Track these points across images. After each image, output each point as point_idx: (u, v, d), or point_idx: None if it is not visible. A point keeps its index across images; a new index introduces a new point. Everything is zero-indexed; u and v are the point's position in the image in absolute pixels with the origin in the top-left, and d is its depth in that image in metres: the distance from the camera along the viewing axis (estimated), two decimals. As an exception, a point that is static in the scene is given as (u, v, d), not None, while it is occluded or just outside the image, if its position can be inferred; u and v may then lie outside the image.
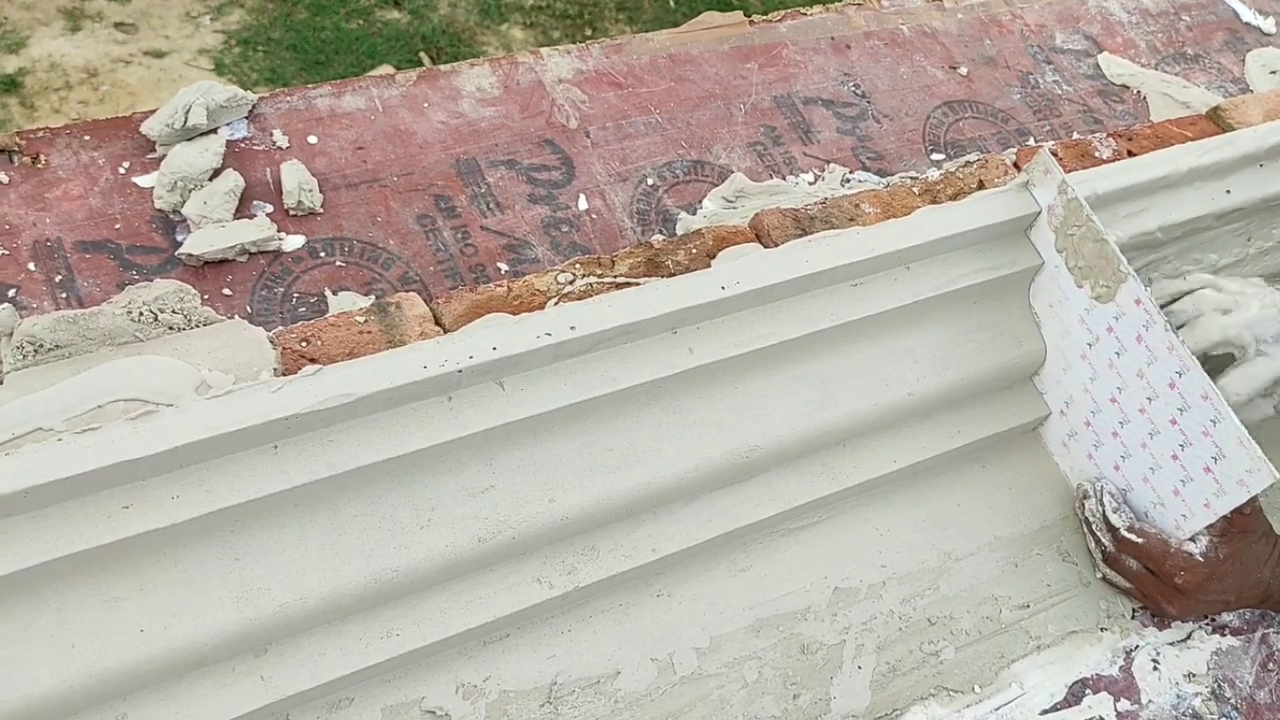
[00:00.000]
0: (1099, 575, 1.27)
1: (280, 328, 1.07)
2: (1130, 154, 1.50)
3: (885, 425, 1.24)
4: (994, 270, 1.27)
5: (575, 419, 1.06)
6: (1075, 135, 1.66)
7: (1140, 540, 1.21)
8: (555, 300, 1.16)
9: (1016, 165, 1.42)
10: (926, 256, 1.24)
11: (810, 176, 1.49)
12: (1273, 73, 1.86)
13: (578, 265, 1.19)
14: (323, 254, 1.25)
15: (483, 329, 1.04)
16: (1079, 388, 1.28)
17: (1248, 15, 1.93)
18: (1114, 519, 1.23)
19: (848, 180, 1.50)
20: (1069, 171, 1.41)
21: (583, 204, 1.38)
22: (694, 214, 1.41)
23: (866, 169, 1.52)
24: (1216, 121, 1.59)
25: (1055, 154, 1.46)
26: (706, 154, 1.47)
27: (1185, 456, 1.16)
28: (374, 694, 1.00)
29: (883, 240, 1.20)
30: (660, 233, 1.39)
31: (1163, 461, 1.19)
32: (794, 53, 1.60)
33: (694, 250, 1.24)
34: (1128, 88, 1.75)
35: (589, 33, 4.35)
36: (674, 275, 1.21)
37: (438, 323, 1.11)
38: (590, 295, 1.17)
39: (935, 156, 1.57)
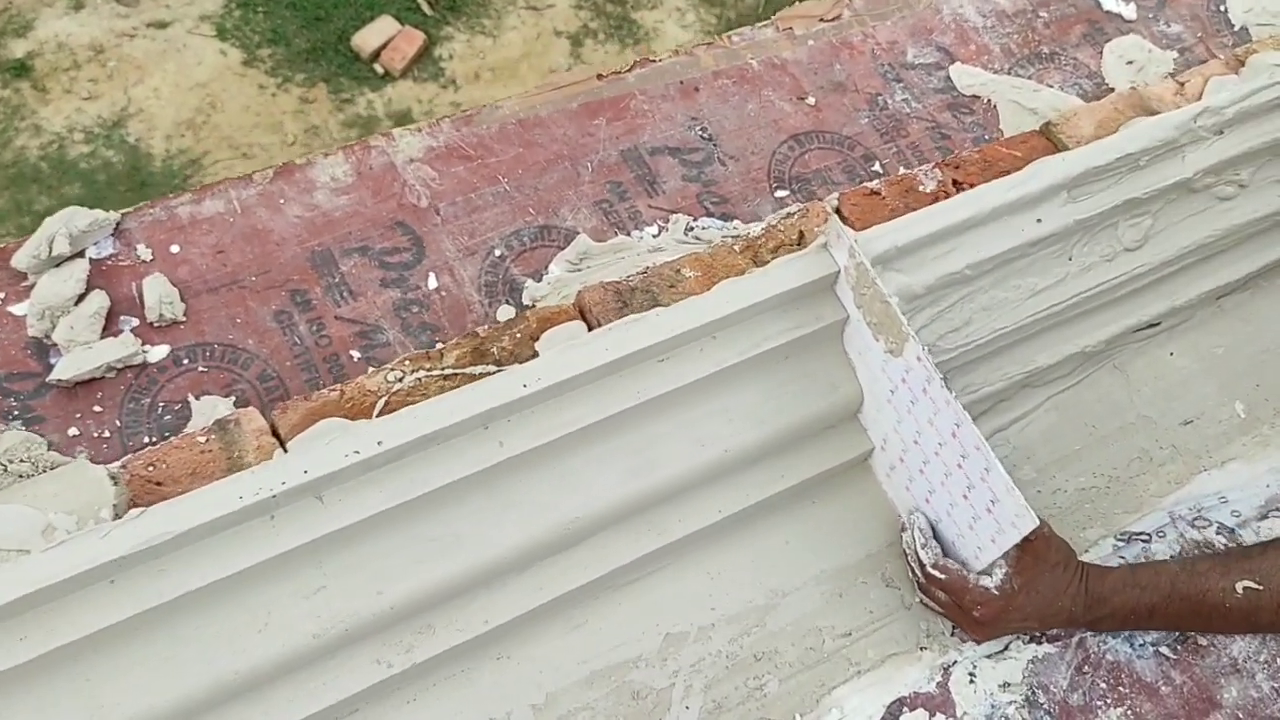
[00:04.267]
0: (918, 599, 1.39)
1: (129, 456, 1.20)
2: (956, 184, 1.58)
3: (707, 480, 1.35)
4: (801, 328, 1.36)
5: (394, 519, 1.19)
6: (922, 154, 1.73)
7: (943, 577, 1.32)
8: (385, 399, 1.28)
9: (838, 212, 1.51)
10: (732, 325, 1.34)
11: (654, 229, 1.58)
12: (1129, 63, 1.91)
13: (406, 362, 1.30)
14: (186, 361, 1.37)
15: (301, 450, 1.17)
16: (890, 428, 1.38)
17: (1109, 3, 1.97)
18: (922, 555, 1.34)
19: (691, 228, 1.59)
20: (891, 212, 1.50)
21: (432, 283, 1.48)
22: (539, 281, 1.51)
23: (711, 214, 1.61)
24: (1049, 137, 1.66)
25: (879, 192, 1.55)
26: (553, 218, 1.57)
27: (972, 497, 1.27)
28: (233, 778, 1.14)
29: (686, 318, 1.30)
30: (507, 302, 1.49)
31: (957, 499, 1.30)
32: (642, 102, 1.68)
33: (518, 335, 1.34)
34: (978, 97, 1.81)
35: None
36: (500, 363, 1.32)
37: (275, 434, 1.23)
38: (420, 390, 1.29)
39: (780, 194, 1.65)
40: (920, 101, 1.79)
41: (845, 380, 1.41)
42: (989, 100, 1.81)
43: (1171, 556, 1.47)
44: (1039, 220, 1.48)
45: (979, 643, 1.37)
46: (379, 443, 1.15)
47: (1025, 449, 1.53)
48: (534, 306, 1.49)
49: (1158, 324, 1.63)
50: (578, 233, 1.55)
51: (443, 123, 1.60)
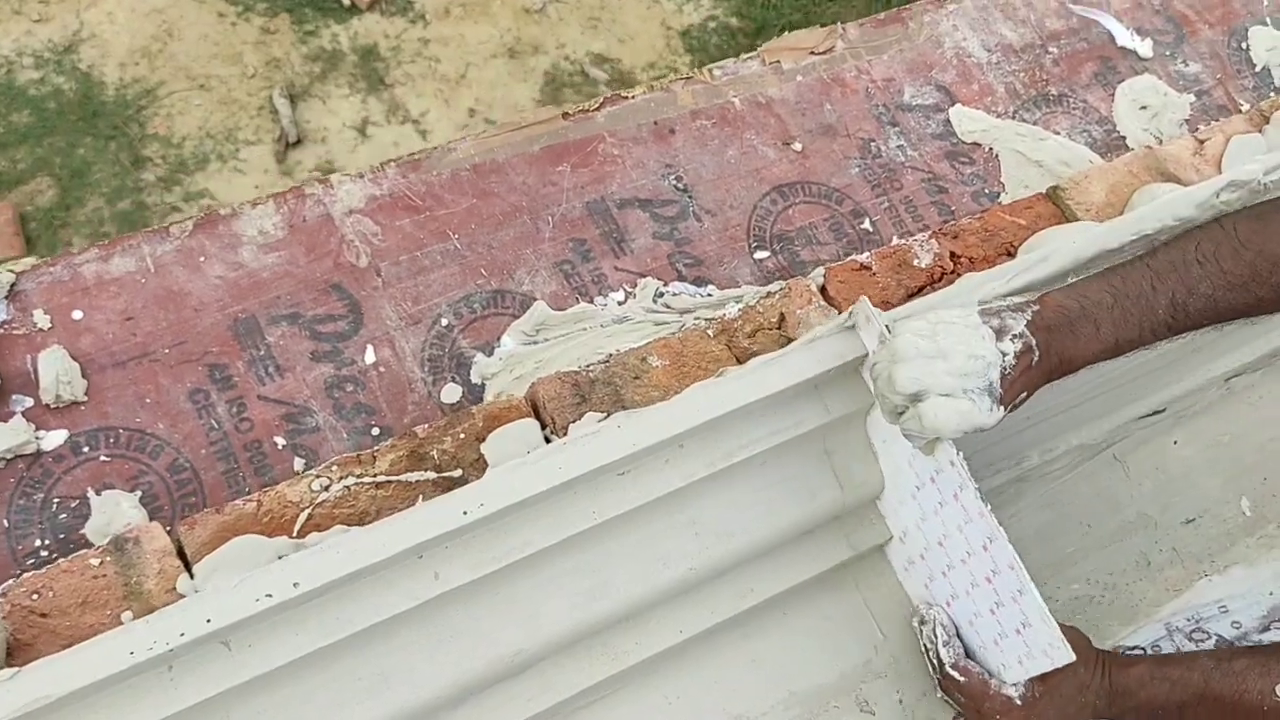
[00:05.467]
0: (938, 695, 1.27)
1: (10, 583, 1.05)
2: (954, 257, 1.44)
3: (668, 599, 1.22)
4: (780, 434, 1.23)
5: (313, 662, 1.05)
6: (916, 209, 1.59)
7: (962, 680, 1.20)
8: (308, 512, 1.13)
9: (823, 290, 1.37)
10: (704, 434, 1.20)
11: (620, 295, 1.43)
12: (1143, 108, 1.77)
13: (334, 467, 1.16)
14: (86, 449, 1.22)
15: (208, 577, 1.02)
16: (912, 523, 1.26)
17: (1124, 38, 1.82)
18: (943, 654, 1.22)
19: (660, 294, 1.44)
20: (882, 290, 1.36)
21: (370, 357, 1.33)
22: (490, 355, 1.36)
23: (683, 278, 1.47)
24: (1056, 203, 1.52)
25: (869, 267, 1.40)
26: (508, 281, 1.41)
27: (1000, 614, 1.15)
28: None
29: (652, 429, 1.16)
30: (454, 380, 1.34)
31: (983, 612, 1.18)
32: (612, 146, 1.52)
33: (462, 436, 1.20)
34: (979, 145, 1.67)
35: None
36: (440, 469, 1.18)
37: (180, 555, 1.09)
38: (349, 501, 1.15)
39: (760, 255, 1.50)
40: (916, 149, 1.63)
41: (827, 485, 1.28)
42: (990, 149, 1.66)
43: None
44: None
45: None
46: (295, 584, 1.01)
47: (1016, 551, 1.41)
48: (483, 386, 1.34)
49: (1163, 409, 1.50)
50: (535, 299, 1.40)
51: (387, 168, 1.43)
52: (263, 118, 3.76)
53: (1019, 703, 1.18)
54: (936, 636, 1.24)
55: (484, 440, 1.20)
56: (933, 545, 1.23)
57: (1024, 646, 1.14)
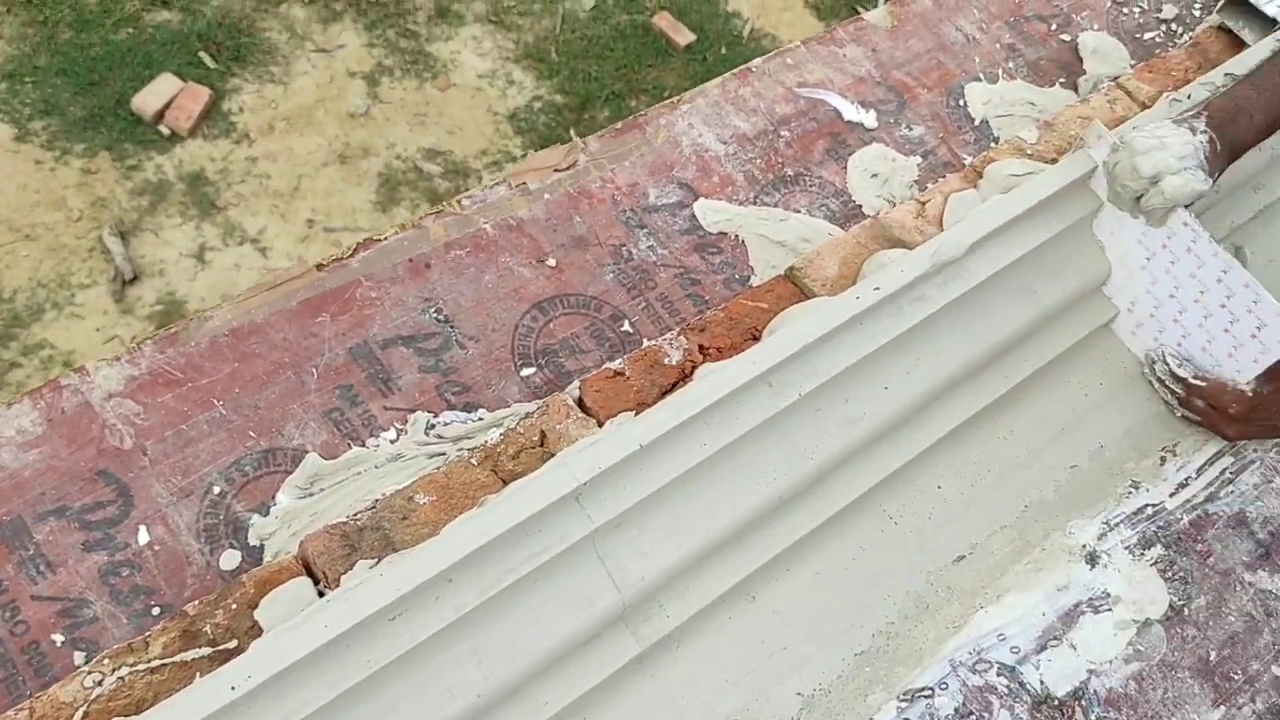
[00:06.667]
0: (1178, 415, 1.70)
1: None
2: (702, 350, 1.53)
3: (463, 728, 1.26)
4: (546, 551, 1.28)
5: None
6: (672, 304, 1.68)
7: (1203, 384, 1.62)
8: (83, 710, 1.14)
9: (580, 403, 1.43)
10: (472, 566, 1.24)
11: (392, 434, 1.48)
12: (874, 175, 1.90)
13: (105, 660, 1.17)
14: None
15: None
16: (1142, 290, 1.68)
17: (850, 113, 1.96)
18: (1180, 371, 1.64)
19: (432, 426, 1.49)
20: (636, 394, 1.43)
21: (144, 537, 1.35)
22: (267, 515, 1.39)
23: (453, 406, 1.52)
24: (794, 282, 1.62)
25: (623, 373, 1.48)
26: (278, 438, 1.45)
27: (1235, 329, 1.57)
28: None
29: (417, 570, 1.20)
30: (232, 546, 1.37)
31: (1216, 335, 1.60)
32: (369, 289, 1.58)
33: (234, 606, 1.22)
34: (725, 234, 1.77)
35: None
36: (215, 643, 1.20)
37: (-49, 779, 1.09)
38: (124, 691, 1.16)
39: (526, 372, 1.57)
40: (666, 247, 1.73)
41: (604, 590, 1.33)
42: (737, 235, 1.77)
43: (955, 709, 1.46)
44: (771, 383, 1.44)
45: (1233, 441, 1.68)
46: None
47: (791, 626, 1.48)
48: (262, 547, 1.37)
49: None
50: (307, 451, 1.44)
51: (144, 346, 1.46)
52: (95, 259, 3.71)
53: (1250, 394, 1.59)
54: (1169, 364, 1.65)
55: (257, 606, 1.22)
56: (1163, 300, 1.66)
57: (1260, 345, 1.56)
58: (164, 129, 3.95)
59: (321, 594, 1.25)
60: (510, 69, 4.34)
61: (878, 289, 1.51)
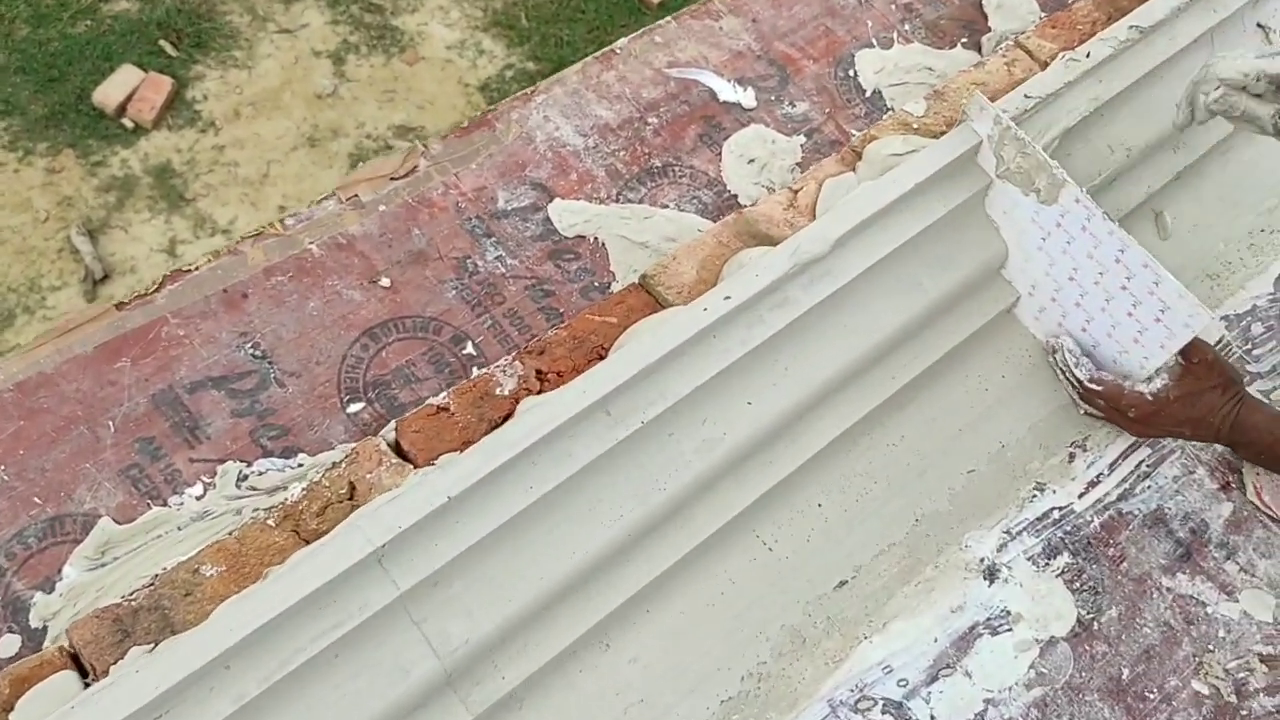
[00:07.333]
0: (1080, 411, 1.59)
1: None
2: (540, 376, 1.39)
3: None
4: (340, 627, 1.15)
5: None
6: (522, 320, 1.53)
7: (1099, 388, 1.52)
8: None
9: (396, 446, 1.29)
10: (253, 646, 1.11)
11: (199, 488, 1.34)
12: (750, 161, 1.75)
13: None
14: None
15: None
16: (1041, 272, 1.55)
17: (726, 92, 1.80)
18: (1078, 372, 1.53)
19: (245, 477, 1.36)
20: (462, 432, 1.30)
21: (-90, 627, 1.22)
22: (51, 592, 1.26)
23: (270, 453, 1.38)
24: (649, 291, 1.48)
25: (447, 408, 1.34)
26: (67, 504, 1.31)
27: (1138, 313, 1.45)
28: None
29: (190, 657, 1.07)
30: (11, 630, 1.24)
31: (1120, 319, 1.48)
32: (176, 327, 1.43)
33: (-15, 710, 1.09)
34: (584, 237, 1.62)
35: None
36: (-40, 754, 1.07)
37: None
38: None
39: (353, 408, 1.43)
40: (516, 256, 1.58)
41: (423, 658, 1.20)
42: (595, 238, 1.62)
43: None
44: (609, 411, 1.30)
45: (1137, 436, 1.58)
46: None
47: (650, 674, 1.34)
48: (44, 630, 1.24)
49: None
50: (99, 516, 1.30)
51: (-85, 409, 1.32)
52: (64, 260, 3.60)
53: (1150, 399, 1.49)
54: (1067, 360, 1.54)
55: (12, 708, 1.09)
56: (1063, 283, 1.53)
57: (1165, 330, 1.43)
58: (127, 122, 3.82)
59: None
60: (480, 38, 4.16)
61: (728, 297, 1.36)
